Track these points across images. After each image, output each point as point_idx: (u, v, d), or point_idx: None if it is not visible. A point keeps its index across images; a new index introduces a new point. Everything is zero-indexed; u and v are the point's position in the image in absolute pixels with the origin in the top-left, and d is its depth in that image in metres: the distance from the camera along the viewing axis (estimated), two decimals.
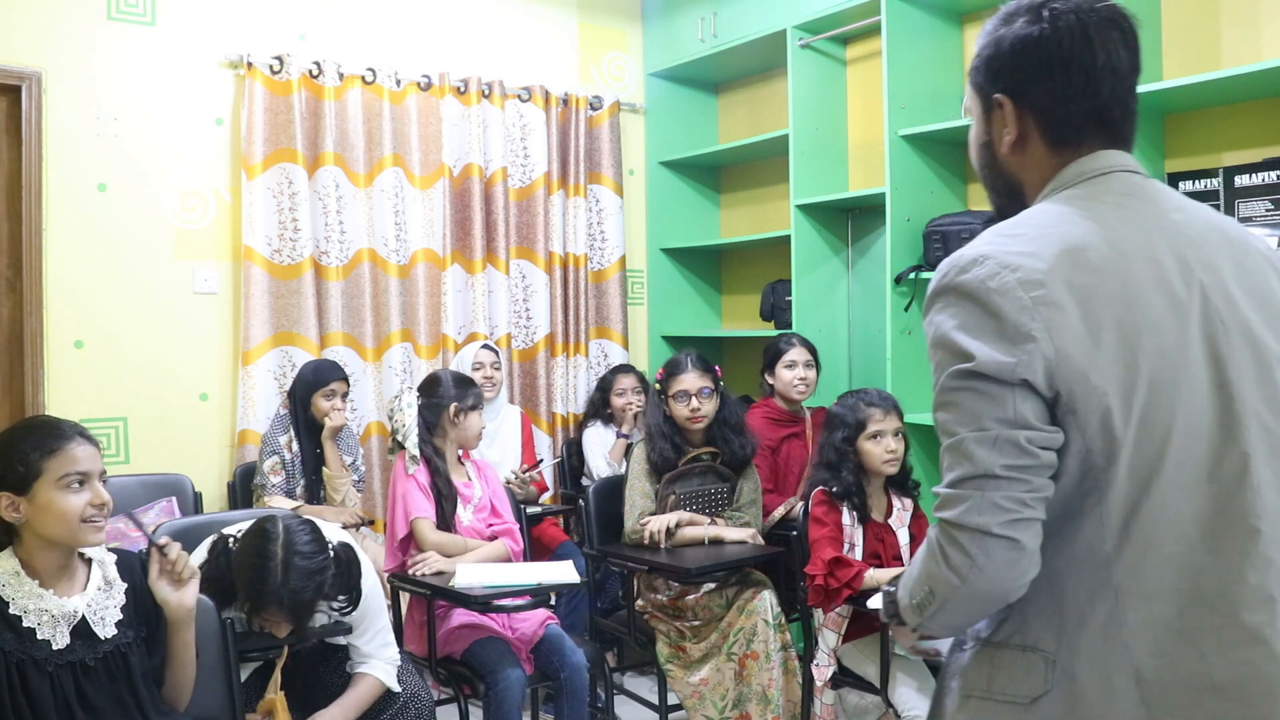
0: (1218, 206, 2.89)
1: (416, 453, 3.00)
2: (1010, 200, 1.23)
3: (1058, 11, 1.13)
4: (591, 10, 4.65)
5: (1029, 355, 1.01)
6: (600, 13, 4.67)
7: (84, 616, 1.84)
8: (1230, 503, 1.03)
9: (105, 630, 1.86)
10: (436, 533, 2.93)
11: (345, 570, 2.24)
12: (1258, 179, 2.81)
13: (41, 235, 3.41)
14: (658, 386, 3.28)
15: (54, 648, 1.79)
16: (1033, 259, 1.04)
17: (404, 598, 3.04)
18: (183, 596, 1.93)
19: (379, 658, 2.36)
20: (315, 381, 3.44)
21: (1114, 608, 1.02)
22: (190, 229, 3.71)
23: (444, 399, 3.05)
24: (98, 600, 1.87)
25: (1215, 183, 2.90)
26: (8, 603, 1.78)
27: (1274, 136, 2.88)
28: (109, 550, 1.97)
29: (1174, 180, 3.00)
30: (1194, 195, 2.95)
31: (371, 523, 3.61)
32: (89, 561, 1.92)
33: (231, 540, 2.22)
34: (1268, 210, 2.79)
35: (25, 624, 1.78)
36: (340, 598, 2.26)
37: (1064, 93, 1.13)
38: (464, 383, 3.13)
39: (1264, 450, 1.05)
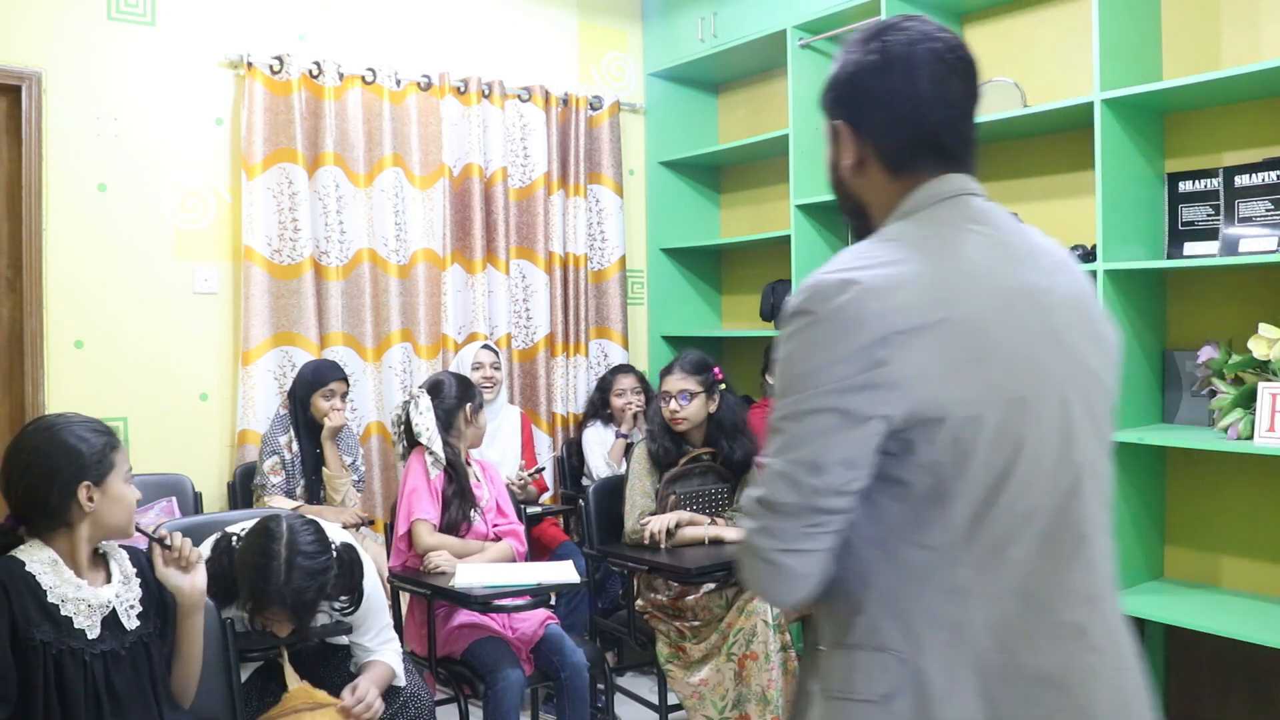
0: (1217, 207, 2.90)
1: (441, 454, 3.00)
2: (859, 220, 1.27)
3: (889, 42, 1.18)
4: (591, 10, 4.65)
5: (878, 382, 1.04)
6: (600, 13, 4.67)
7: (114, 607, 1.87)
8: (1064, 511, 1.11)
9: (130, 622, 1.89)
10: (434, 536, 2.93)
11: (347, 571, 2.25)
12: (1258, 179, 2.81)
13: (41, 235, 3.41)
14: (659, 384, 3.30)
15: (89, 637, 1.82)
16: (895, 284, 1.06)
17: (404, 598, 3.04)
18: (194, 580, 1.98)
19: (386, 649, 2.40)
20: (314, 381, 3.44)
21: (959, 609, 1.08)
22: (190, 229, 3.72)
23: (459, 400, 3.09)
24: (121, 592, 1.91)
25: (1215, 183, 2.90)
26: (46, 591, 1.80)
27: (1274, 136, 2.88)
28: (119, 547, 2.00)
29: (1174, 180, 3.01)
30: (1194, 195, 2.95)
31: (371, 522, 3.61)
32: (103, 555, 1.96)
33: (235, 539, 2.24)
34: (1268, 210, 2.79)
35: (63, 613, 1.80)
36: (342, 599, 2.27)
37: (894, 120, 1.18)
38: (466, 383, 3.15)
39: (1090, 462, 1.14)
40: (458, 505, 2.99)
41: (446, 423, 3.06)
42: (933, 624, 1.09)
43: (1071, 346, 1.14)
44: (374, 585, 2.37)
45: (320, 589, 2.16)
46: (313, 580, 2.13)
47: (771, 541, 1.10)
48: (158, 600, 1.96)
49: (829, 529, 1.09)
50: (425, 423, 3.02)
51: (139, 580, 1.96)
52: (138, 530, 2.01)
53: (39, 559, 1.82)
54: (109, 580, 1.91)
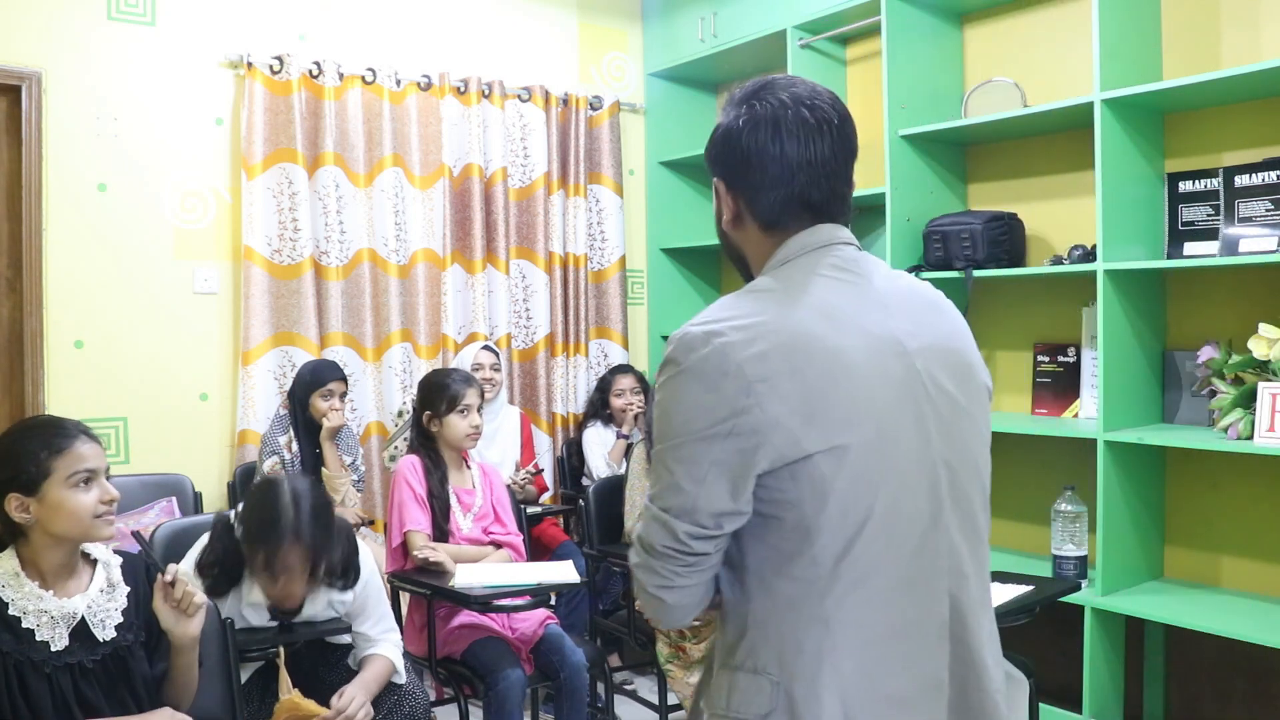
0: (1217, 207, 2.89)
1: (392, 454, 3.09)
2: (741, 267, 1.33)
3: (757, 107, 1.23)
4: (591, 10, 4.65)
5: (742, 429, 1.11)
6: (600, 13, 4.67)
7: (83, 618, 1.83)
8: (926, 543, 1.17)
9: (104, 633, 1.85)
10: (429, 545, 2.93)
11: (344, 539, 2.29)
12: (1258, 179, 2.81)
13: (41, 235, 3.41)
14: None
15: (53, 649, 1.79)
16: (756, 335, 1.13)
17: (404, 598, 3.04)
18: (188, 627, 1.91)
19: (386, 641, 2.41)
20: (313, 382, 3.44)
21: (824, 636, 1.14)
22: (190, 229, 3.72)
23: (423, 404, 3.10)
24: (99, 602, 1.87)
25: (1215, 183, 2.90)
26: (7, 604, 1.77)
27: (1274, 136, 2.88)
28: (115, 553, 1.97)
29: (1174, 180, 3.01)
30: (1194, 195, 2.95)
31: (371, 522, 3.62)
32: (93, 562, 1.92)
33: (233, 516, 2.28)
34: (1268, 210, 2.79)
35: (24, 625, 1.77)
36: (338, 583, 2.30)
37: (763, 181, 1.22)
38: (439, 388, 3.08)
39: (950, 494, 1.19)
40: (439, 508, 2.99)
41: (421, 427, 3.08)
42: (801, 651, 1.15)
43: (934, 387, 1.20)
44: (371, 571, 2.40)
45: (327, 526, 2.21)
46: (320, 516, 2.21)
47: (650, 578, 1.20)
48: (149, 612, 1.91)
49: (702, 567, 1.18)
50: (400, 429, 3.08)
51: (128, 589, 1.92)
52: (141, 546, 1.98)
53: (4, 569, 1.79)
54: (87, 588, 1.86)
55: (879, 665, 1.16)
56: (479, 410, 3.11)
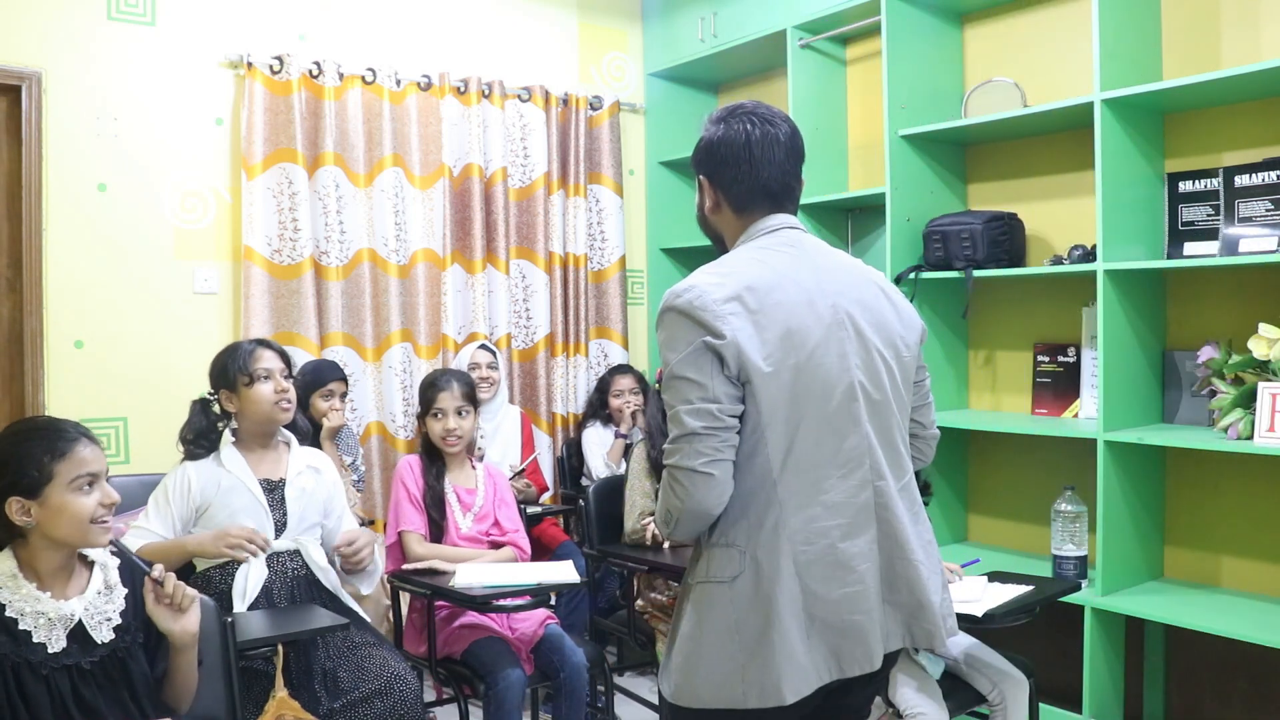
0: (1217, 207, 2.90)
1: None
2: (719, 245, 1.79)
3: (732, 124, 1.71)
4: (591, 10, 4.65)
5: (716, 346, 1.53)
6: (600, 13, 4.67)
7: (80, 620, 1.83)
8: (848, 440, 1.61)
9: (102, 635, 1.85)
10: (424, 546, 2.93)
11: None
12: (1258, 179, 2.81)
13: (41, 235, 3.41)
14: (658, 386, 3.28)
15: (50, 651, 1.78)
16: (722, 286, 1.57)
17: (404, 598, 3.04)
18: (185, 624, 1.91)
19: (346, 520, 2.74)
20: (313, 382, 3.44)
21: (779, 515, 1.57)
22: (190, 229, 3.72)
23: (420, 407, 3.10)
24: (96, 604, 1.87)
25: (1215, 183, 2.90)
26: (4, 605, 1.77)
27: (1274, 136, 2.88)
28: (112, 554, 1.97)
29: (1174, 180, 3.01)
30: (1194, 195, 2.95)
31: (371, 522, 3.61)
32: (91, 564, 1.91)
33: (208, 393, 2.60)
34: (1268, 210, 2.79)
35: (21, 626, 1.77)
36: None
37: (736, 176, 1.71)
38: (422, 389, 3.12)
39: (868, 409, 1.63)
40: (435, 507, 2.99)
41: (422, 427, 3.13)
42: (761, 526, 1.57)
43: (854, 330, 1.64)
44: (334, 469, 2.77)
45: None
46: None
47: (699, 458, 1.54)
48: (144, 612, 1.91)
49: (730, 443, 1.56)
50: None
51: (126, 592, 1.92)
52: (136, 559, 1.99)
53: (2, 570, 1.79)
54: (85, 590, 1.86)
55: (820, 534, 1.58)
56: (462, 412, 3.05)
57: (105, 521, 1.84)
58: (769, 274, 1.61)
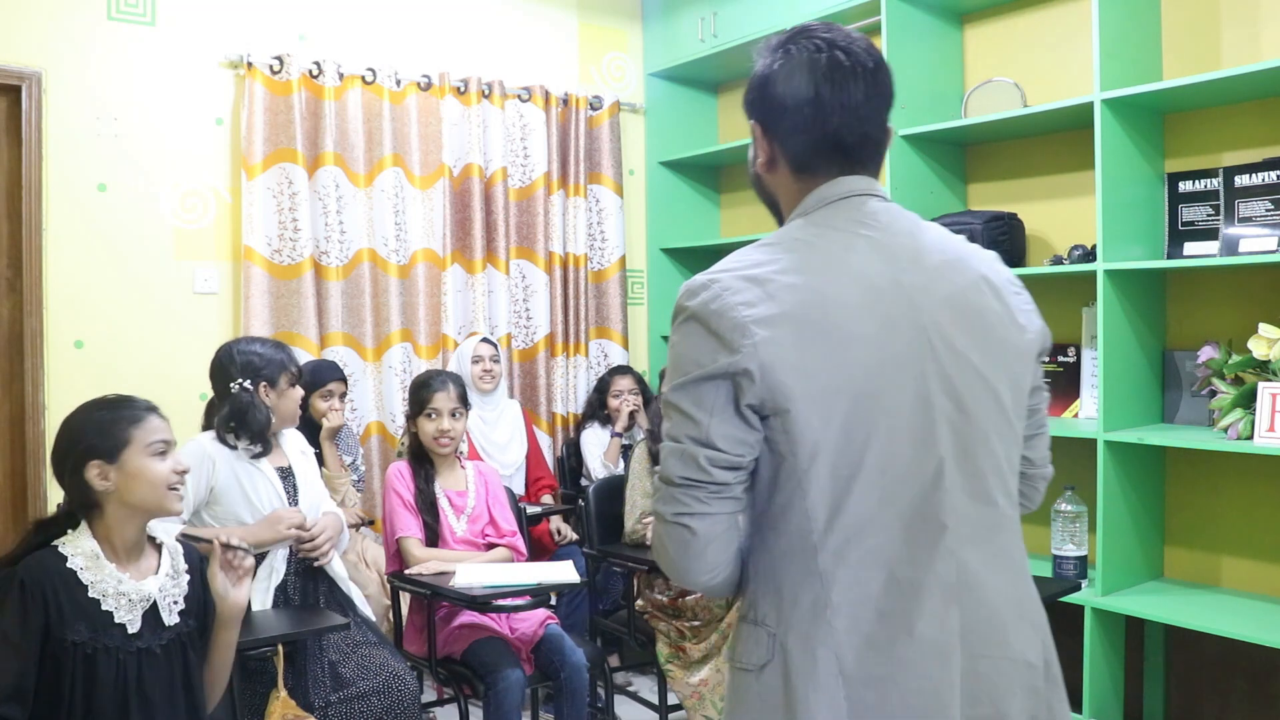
0: (1217, 207, 2.89)
1: (400, 451, 3.29)
2: (775, 212, 1.36)
3: (793, 50, 1.25)
4: (591, 10, 4.65)
5: (735, 369, 1.13)
6: (600, 13, 4.67)
7: (155, 601, 1.87)
8: (925, 502, 1.16)
9: (170, 617, 1.88)
10: (423, 550, 2.93)
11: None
12: (1258, 179, 2.81)
13: (41, 235, 3.41)
14: (660, 386, 3.28)
15: (129, 632, 1.81)
16: (754, 282, 1.16)
17: (404, 598, 3.04)
18: (237, 594, 1.97)
19: (328, 505, 2.75)
20: (313, 382, 3.44)
21: (820, 591, 1.15)
22: (190, 229, 3.72)
23: (411, 408, 3.10)
24: (166, 585, 1.90)
25: (1215, 183, 2.90)
26: (87, 586, 1.79)
27: (1274, 136, 2.88)
28: (177, 540, 2.02)
29: (1174, 180, 3.01)
30: (1194, 195, 2.95)
31: (372, 522, 3.62)
32: (159, 546, 1.95)
33: (246, 384, 2.58)
34: (1268, 210, 2.79)
35: (104, 607, 1.79)
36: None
37: (795, 124, 1.24)
38: (414, 390, 3.10)
39: (955, 454, 1.17)
40: (428, 511, 2.99)
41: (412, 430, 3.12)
42: (796, 603, 1.17)
43: (943, 345, 1.18)
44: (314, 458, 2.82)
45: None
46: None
47: (669, 506, 1.19)
48: (202, 599, 1.96)
49: (725, 495, 1.18)
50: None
51: (189, 578, 1.95)
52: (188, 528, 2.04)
53: (81, 551, 1.81)
54: (157, 571, 1.90)
55: (877, 625, 1.14)
56: (456, 414, 3.03)
57: (178, 488, 1.89)
58: (822, 263, 1.19)
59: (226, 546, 1.95)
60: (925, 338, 1.17)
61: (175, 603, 1.90)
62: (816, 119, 1.23)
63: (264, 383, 2.60)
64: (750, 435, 1.16)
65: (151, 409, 1.93)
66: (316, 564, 2.59)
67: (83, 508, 1.85)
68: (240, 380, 2.58)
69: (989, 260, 1.29)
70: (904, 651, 1.14)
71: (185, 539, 2.06)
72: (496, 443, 3.82)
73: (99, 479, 1.82)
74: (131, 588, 1.83)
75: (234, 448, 2.54)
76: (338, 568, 2.65)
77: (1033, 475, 1.36)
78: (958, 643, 1.15)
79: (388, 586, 3.14)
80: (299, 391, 2.68)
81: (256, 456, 2.55)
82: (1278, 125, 2.87)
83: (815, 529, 1.15)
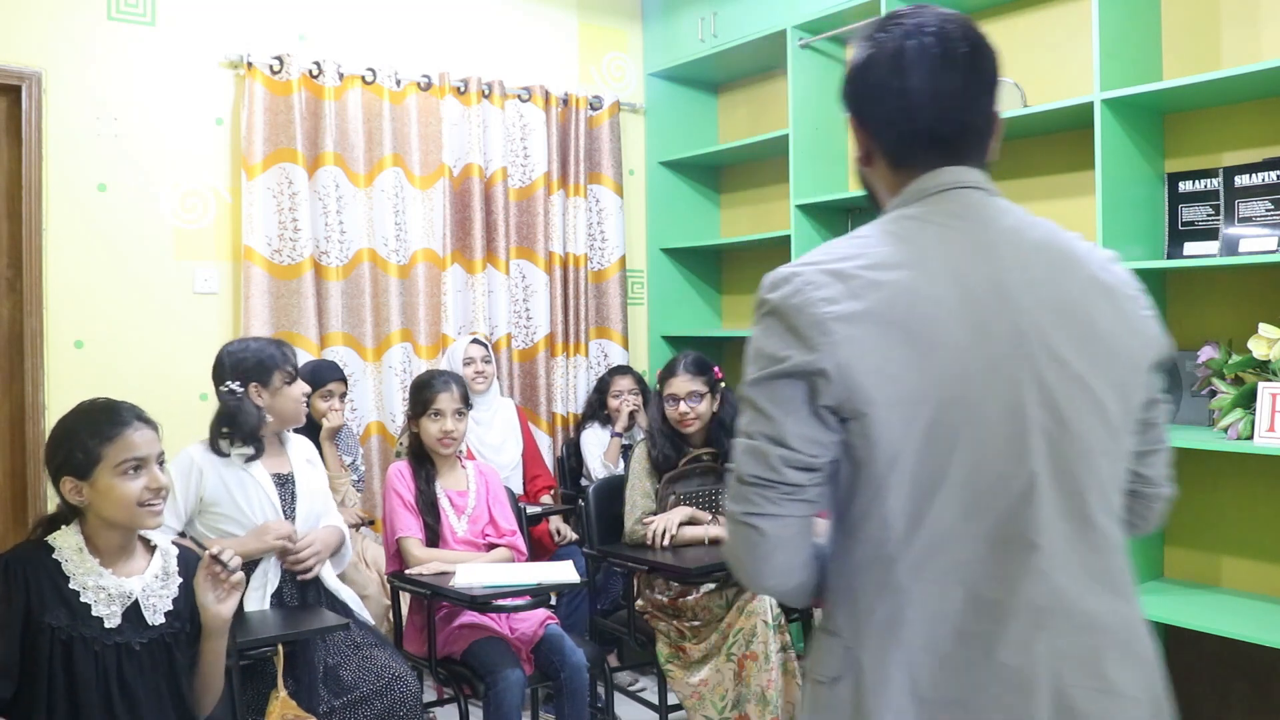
0: (1217, 207, 2.89)
1: (398, 450, 3.30)
2: (877, 209, 1.28)
3: (882, 38, 1.18)
4: (591, 10, 4.65)
5: (813, 368, 1.07)
6: (600, 13, 4.67)
7: (137, 600, 1.87)
8: (1014, 518, 1.08)
9: (155, 618, 1.89)
10: (424, 550, 2.93)
11: None
12: (1258, 179, 2.81)
13: (41, 235, 3.41)
14: (658, 388, 3.28)
15: (105, 626, 1.83)
16: (837, 277, 1.10)
17: (404, 599, 3.04)
18: (221, 608, 1.94)
19: (334, 516, 2.75)
20: (312, 382, 3.43)
21: (895, 605, 1.09)
22: (190, 229, 3.72)
23: (410, 406, 3.09)
24: (153, 586, 1.91)
25: (1215, 183, 2.90)
26: (69, 577, 1.83)
27: (1274, 136, 2.88)
28: (174, 543, 2.02)
29: (1174, 180, 3.01)
30: (1194, 195, 2.95)
31: (372, 522, 3.62)
32: (153, 548, 1.96)
33: (236, 385, 2.58)
34: (1268, 210, 2.79)
35: (82, 599, 1.82)
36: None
37: (888, 115, 1.18)
38: (416, 390, 3.08)
39: (1050, 469, 1.09)
40: (428, 511, 2.99)
41: (413, 430, 3.10)
42: (872, 616, 1.11)
43: (1044, 351, 1.10)
44: (322, 466, 2.79)
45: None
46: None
47: (742, 505, 1.13)
48: (193, 604, 1.95)
49: (799, 498, 1.12)
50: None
51: (181, 582, 1.95)
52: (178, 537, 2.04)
53: (68, 544, 1.85)
54: (144, 572, 1.91)
55: (954, 646, 1.07)
56: (459, 414, 3.03)
57: (153, 505, 1.88)
58: (913, 258, 1.11)
59: (215, 559, 1.93)
60: (1023, 343, 1.09)
61: (161, 604, 1.90)
62: (907, 111, 1.16)
63: (255, 383, 2.58)
64: (826, 436, 1.10)
65: (134, 419, 1.90)
66: (300, 577, 2.55)
67: (70, 511, 1.90)
68: (230, 382, 2.57)
69: (1103, 260, 1.19)
70: (981, 677, 1.07)
71: (181, 544, 2.06)
72: (490, 444, 3.82)
73: (73, 494, 1.85)
74: (112, 583, 1.85)
75: (226, 454, 2.53)
76: (329, 578, 2.63)
77: (1148, 495, 1.25)
78: (1044, 673, 1.06)
79: (388, 586, 3.14)
80: (298, 389, 2.64)
81: (250, 459, 2.54)
82: (1278, 125, 2.87)
83: (892, 539, 1.09)
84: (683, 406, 3.15)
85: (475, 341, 3.89)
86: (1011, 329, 1.09)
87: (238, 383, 2.58)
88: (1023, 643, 1.07)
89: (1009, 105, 3.37)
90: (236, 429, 2.53)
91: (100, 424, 1.88)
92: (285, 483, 2.61)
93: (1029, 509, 1.08)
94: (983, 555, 1.08)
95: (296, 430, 2.88)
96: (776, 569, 1.15)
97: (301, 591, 2.56)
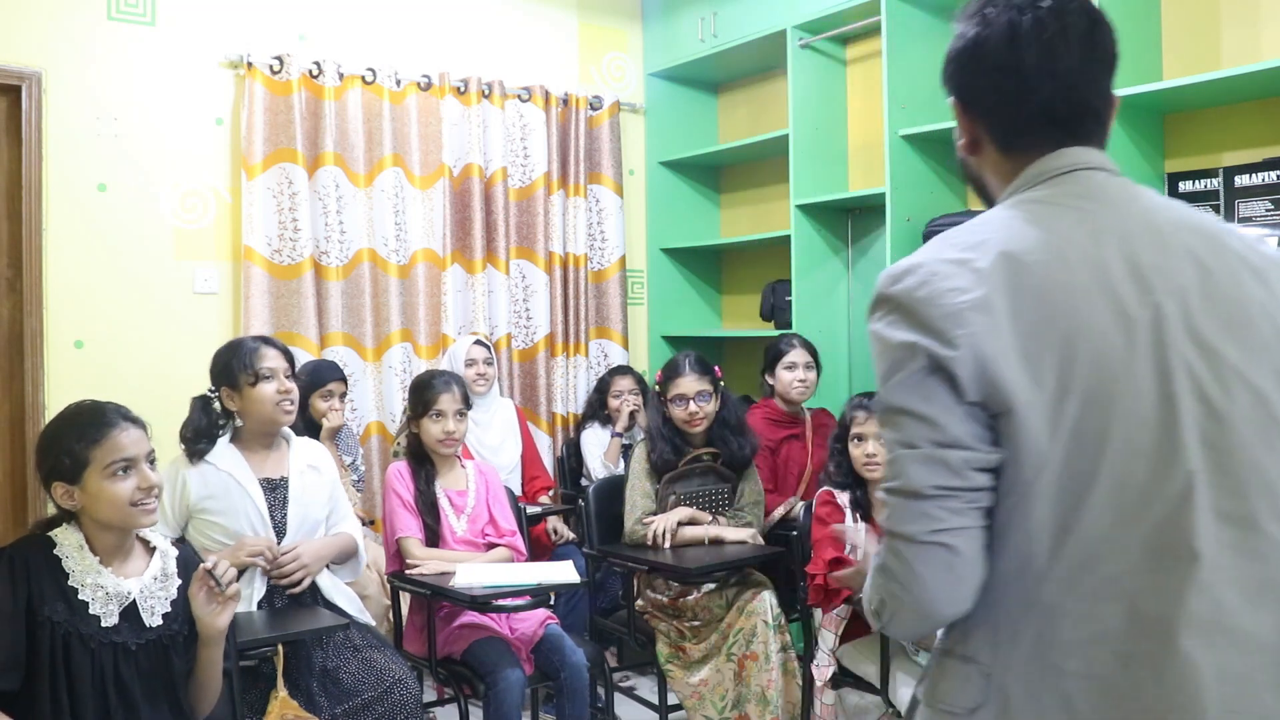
0: (1217, 207, 2.89)
1: (395, 450, 3.31)
2: (983, 197, 1.21)
3: (991, 14, 1.10)
4: (591, 10, 4.65)
5: (954, 358, 0.99)
6: (600, 13, 4.67)
7: (134, 600, 1.87)
8: (1172, 525, 0.98)
9: (152, 619, 1.89)
10: (424, 550, 2.92)
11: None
12: (1258, 179, 2.81)
13: (41, 235, 3.41)
14: (657, 389, 3.28)
15: (102, 624, 1.83)
16: (965, 266, 1.01)
17: (404, 598, 3.04)
18: (216, 618, 1.93)
19: (344, 524, 2.69)
20: (312, 382, 3.44)
21: (1045, 626, 1.00)
22: (190, 229, 3.72)
23: (410, 406, 3.08)
24: (151, 588, 1.91)
25: (1215, 183, 2.90)
26: (68, 574, 1.83)
27: (1274, 136, 2.88)
28: (174, 545, 2.02)
29: (1174, 180, 3.01)
30: (1194, 195, 2.95)
31: (372, 523, 3.62)
32: (152, 550, 1.96)
33: (209, 390, 2.53)
34: (1268, 210, 2.79)
35: (80, 597, 1.82)
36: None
37: (1000, 96, 1.11)
38: (417, 390, 3.06)
39: (1208, 469, 0.99)
40: (428, 512, 2.98)
41: (412, 430, 3.08)
42: (1015, 639, 1.01)
43: (1191, 341, 1.00)
44: (333, 467, 2.72)
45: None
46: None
47: (923, 523, 1.00)
48: (190, 608, 1.94)
49: (979, 505, 1.01)
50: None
51: (180, 584, 1.95)
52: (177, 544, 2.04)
53: (69, 541, 1.86)
54: (143, 573, 1.91)
55: (1116, 670, 0.97)
56: (461, 414, 3.02)
57: (145, 504, 1.87)
58: (1042, 242, 1.02)
59: (209, 573, 1.91)
60: (1169, 331, 1.00)
61: (159, 605, 1.90)
62: (1021, 92, 1.09)
63: (225, 387, 2.52)
64: (988, 434, 1.00)
65: (120, 420, 1.89)
66: (289, 591, 2.48)
67: (65, 514, 1.90)
68: (209, 389, 2.55)
69: (1250, 240, 1.09)
70: (1151, 703, 0.96)
71: (192, 551, 2.07)
72: (489, 445, 3.81)
73: (65, 498, 1.85)
74: (110, 582, 1.85)
75: (204, 454, 2.48)
76: (326, 585, 2.58)
77: None
78: (1214, 699, 0.96)
79: (388, 586, 3.14)
80: (268, 388, 2.48)
81: (198, 455, 2.46)
82: (1278, 125, 2.87)
83: (1039, 552, 0.99)
84: (692, 406, 3.15)
85: (478, 343, 3.88)
86: (1155, 316, 1.00)
87: (213, 389, 2.54)
88: (1192, 664, 0.96)
89: None
90: (196, 434, 2.49)
91: (85, 427, 1.86)
92: (276, 488, 2.54)
93: (1187, 514, 0.98)
94: (1140, 566, 0.98)
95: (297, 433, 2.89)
96: (967, 593, 1.02)
97: (294, 597, 2.53)
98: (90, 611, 1.82)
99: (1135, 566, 0.98)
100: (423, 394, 3.03)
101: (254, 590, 2.46)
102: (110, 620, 1.84)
